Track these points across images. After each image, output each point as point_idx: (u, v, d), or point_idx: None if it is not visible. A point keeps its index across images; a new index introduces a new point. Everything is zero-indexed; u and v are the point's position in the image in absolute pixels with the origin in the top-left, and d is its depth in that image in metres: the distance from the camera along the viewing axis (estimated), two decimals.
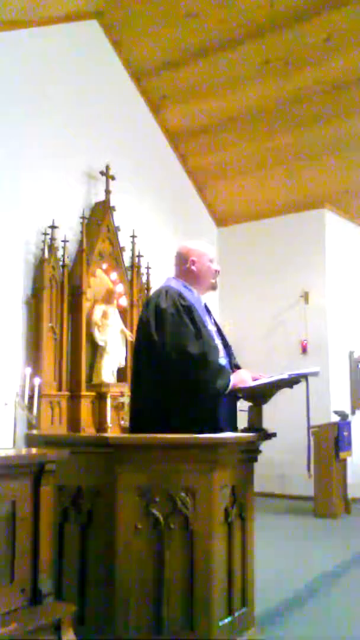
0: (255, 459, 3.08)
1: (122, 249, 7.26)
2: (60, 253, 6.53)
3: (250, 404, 3.14)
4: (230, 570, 2.78)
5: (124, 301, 7.27)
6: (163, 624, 2.57)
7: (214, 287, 3.40)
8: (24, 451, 2.59)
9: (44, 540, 2.29)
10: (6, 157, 6.23)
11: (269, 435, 3.04)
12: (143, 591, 2.58)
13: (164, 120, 8.32)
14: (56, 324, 6.40)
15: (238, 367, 3.34)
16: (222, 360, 3.18)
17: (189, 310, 3.10)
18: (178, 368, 2.94)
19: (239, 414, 3.26)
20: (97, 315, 6.92)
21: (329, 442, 7.08)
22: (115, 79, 7.72)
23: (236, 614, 2.79)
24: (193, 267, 3.30)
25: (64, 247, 6.56)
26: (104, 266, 7.13)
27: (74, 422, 6.46)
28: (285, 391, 3.17)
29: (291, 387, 3.13)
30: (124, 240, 7.31)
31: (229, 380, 3.03)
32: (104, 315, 6.97)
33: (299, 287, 8.67)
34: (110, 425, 6.59)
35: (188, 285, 3.28)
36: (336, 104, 7.40)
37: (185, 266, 3.32)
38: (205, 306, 3.38)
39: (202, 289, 3.34)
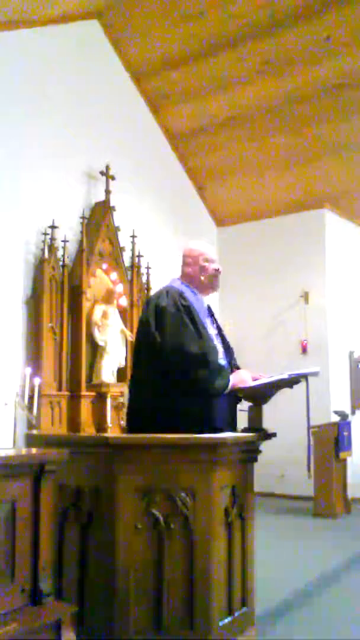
0: (255, 459, 3.09)
1: (122, 249, 7.26)
2: (60, 253, 6.53)
3: (250, 404, 3.15)
4: (230, 570, 2.78)
5: (124, 301, 7.27)
6: (163, 624, 2.57)
7: (213, 287, 3.39)
8: (24, 451, 2.59)
9: (44, 540, 2.29)
10: (6, 157, 6.23)
11: (269, 435, 3.05)
12: (143, 591, 2.58)
13: (164, 120, 8.32)
14: (56, 324, 6.40)
15: (238, 369, 3.34)
16: (221, 362, 3.18)
17: (188, 310, 3.10)
18: (177, 367, 2.95)
19: (239, 414, 3.26)
20: (97, 315, 6.92)
21: (329, 442, 7.08)
22: (115, 79, 7.72)
23: (236, 614, 2.79)
24: (188, 269, 3.33)
25: (64, 247, 6.56)
26: (104, 266, 7.13)
27: (74, 422, 6.45)
28: (285, 391, 3.17)
29: (291, 387, 3.13)
30: (124, 240, 7.31)
31: (229, 380, 3.03)
32: (104, 315, 6.97)
33: (299, 287, 8.67)
34: (110, 425, 6.59)
35: (190, 286, 3.29)
36: (336, 104, 7.40)
37: (183, 267, 3.35)
38: (209, 308, 3.38)
39: (202, 289, 3.34)
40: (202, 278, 3.31)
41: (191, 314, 3.09)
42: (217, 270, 3.35)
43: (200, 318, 3.15)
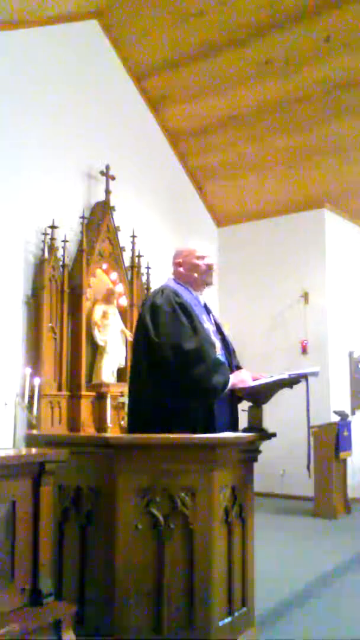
0: (255, 459, 3.08)
1: (122, 249, 7.26)
2: (60, 253, 6.53)
3: (250, 404, 3.15)
4: (230, 570, 2.78)
5: (124, 301, 7.27)
6: (163, 624, 2.57)
7: (206, 283, 3.39)
8: (24, 451, 2.59)
9: (44, 541, 2.29)
10: (6, 157, 6.23)
11: (269, 435, 3.05)
12: (143, 591, 2.58)
13: (164, 120, 8.32)
14: (56, 324, 6.40)
15: (239, 368, 3.34)
16: (220, 358, 3.17)
17: (184, 307, 3.10)
18: (174, 365, 2.95)
19: (239, 414, 3.26)
20: (97, 315, 6.92)
21: (329, 442, 7.08)
22: (115, 79, 7.72)
23: (236, 614, 2.79)
24: (180, 268, 3.35)
25: (64, 247, 6.56)
26: (104, 266, 7.13)
27: (74, 422, 6.45)
28: (285, 391, 3.17)
29: (291, 387, 3.13)
30: (124, 240, 7.31)
31: (228, 378, 3.03)
32: (104, 315, 6.97)
33: (299, 287, 8.66)
34: (110, 425, 6.59)
35: (184, 285, 3.30)
36: (336, 104, 7.40)
37: (176, 267, 3.37)
38: (205, 305, 3.39)
39: (196, 286, 3.35)
40: (196, 275, 3.33)
41: (186, 311, 3.10)
42: (209, 266, 3.35)
43: (197, 314, 3.16)
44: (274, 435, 3.07)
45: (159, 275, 7.27)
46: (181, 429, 2.87)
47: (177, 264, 3.37)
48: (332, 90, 7.25)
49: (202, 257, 3.34)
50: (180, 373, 2.95)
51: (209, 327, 3.25)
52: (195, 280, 3.33)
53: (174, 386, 2.97)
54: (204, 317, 3.24)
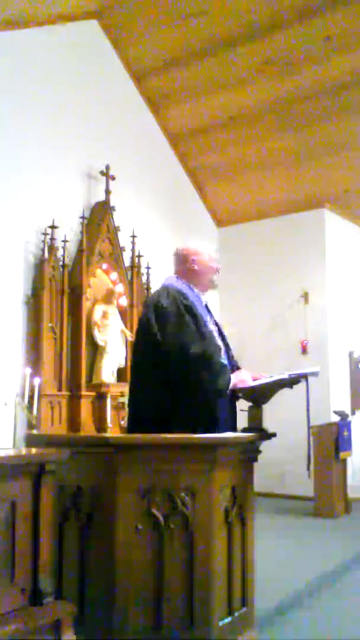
0: (255, 459, 3.08)
1: (122, 249, 7.26)
2: (60, 253, 6.53)
3: (250, 404, 3.15)
4: (230, 570, 2.78)
5: (124, 301, 7.27)
6: (163, 624, 2.57)
7: (213, 286, 3.40)
8: (24, 451, 2.59)
9: (44, 540, 2.29)
10: (6, 157, 6.23)
11: (269, 435, 3.05)
12: (143, 591, 2.58)
13: (164, 120, 8.32)
14: (56, 324, 6.40)
15: (238, 368, 3.34)
16: (223, 361, 3.17)
17: (190, 309, 3.10)
18: (180, 368, 2.94)
19: (239, 414, 3.26)
20: (97, 315, 6.92)
21: (329, 442, 7.08)
22: (115, 79, 7.71)
23: (236, 614, 2.79)
24: (194, 266, 3.31)
25: (64, 247, 6.56)
26: (104, 266, 7.13)
27: (74, 422, 6.45)
28: (285, 391, 3.17)
29: (291, 387, 3.13)
30: (124, 240, 7.31)
31: (230, 379, 3.03)
32: (104, 315, 6.97)
33: (299, 287, 8.66)
34: (110, 425, 6.59)
35: (189, 284, 3.29)
36: (336, 104, 7.40)
37: (186, 265, 3.32)
38: (206, 306, 3.38)
39: (202, 287, 3.35)
40: (205, 277, 3.33)
41: (193, 313, 3.09)
42: (217, 270, 3.37)
43: (202, 316, 3.15)
44: (274, 435, 3.07)
45: (159, 275, 7.26)
46: (181, 429, 2.87)
47: (191, 261, 3.31)
48: (332, 90, 7.25)
49: (216, 261, 3.35)
50: (185, 377, 2.94)
51: (212, 328, 3.25)
52: (204, 282, 3.33)
53: (176, 387, 2.97)
54: (207, 319, 3.24)
